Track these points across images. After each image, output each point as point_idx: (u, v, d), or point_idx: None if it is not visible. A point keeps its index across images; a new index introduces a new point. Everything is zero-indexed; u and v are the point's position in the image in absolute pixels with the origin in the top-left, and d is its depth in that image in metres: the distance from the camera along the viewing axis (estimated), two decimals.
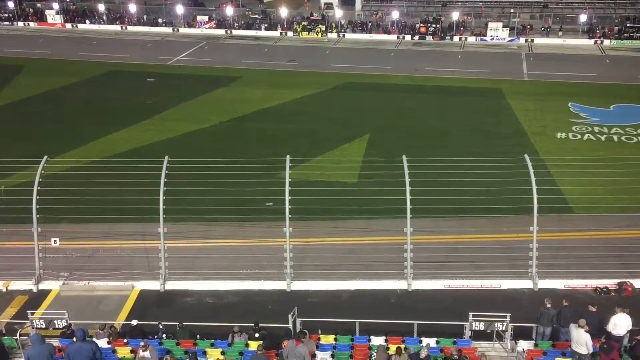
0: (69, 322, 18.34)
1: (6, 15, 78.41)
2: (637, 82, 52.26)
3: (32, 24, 78.20)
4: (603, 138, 38.48)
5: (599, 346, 15.49)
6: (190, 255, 24.16)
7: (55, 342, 16.68)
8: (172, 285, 22.27)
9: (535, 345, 17.23)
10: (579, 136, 38.85)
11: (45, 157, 22.42)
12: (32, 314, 19.04)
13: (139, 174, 22.37)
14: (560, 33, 70.62)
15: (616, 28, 69.70)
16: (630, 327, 16.51)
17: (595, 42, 68.39)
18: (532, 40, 69.19)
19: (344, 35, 72.79)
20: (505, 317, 17.70)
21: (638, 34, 67.99)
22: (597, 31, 69.71)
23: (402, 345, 16.17)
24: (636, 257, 22.71)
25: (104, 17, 78.49)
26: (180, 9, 76.02)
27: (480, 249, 23.47)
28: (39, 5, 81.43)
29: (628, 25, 69.41)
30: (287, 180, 21.28)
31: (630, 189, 24.89)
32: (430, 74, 55.65)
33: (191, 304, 21.61)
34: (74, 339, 14.84)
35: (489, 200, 23.13)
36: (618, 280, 21.69)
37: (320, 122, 42.35)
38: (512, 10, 73.60)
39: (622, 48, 66.89)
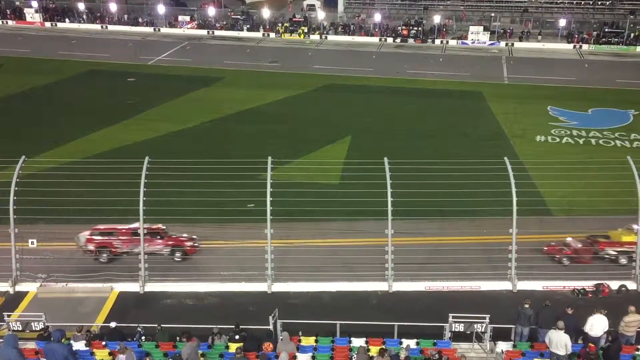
0: (46, 324, 18.11)
1: None
2: (615, 86, 53.00)
3: (10, 22, 77.06)
4: (581, 141, 39.00)
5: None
6: (170, 257, 24.01)
7: (32, 345, 16.48)
8: (152, 286, 22.10)
9: (514, 346, 17.40)
10: (558, 139, 39.32)
11: (23, 157, 22.16)
12: (9, 316, 18.77)
13: (119, 175, 22.12)
14: (539, 37, 71.41)
15: (595, 33, 70.65)
16: (606, 329, 16.74)
17: (574, 47, 69.27)
18: (512, 44, 69.88)
19: (326, 37, 72.85)
20: (484, 318, 17.86)
21: (616, 39, 69.00)
22: (576, 36, 70.63)
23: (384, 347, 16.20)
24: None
25: (84, 16, 77.62)
26: (161, 9, 75.47)
27: (461, 250, 23.61)
28: (17, 3, 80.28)
29: (606, 30, 70.47)
30: (269, 181, 21.29)
31: (608, 192, 25.22)
32: (412, 77, 55.88)
33: (171, 305, 21.48)
34: (52, 340, 14.70)
35: (469, 202, 23.30)
36: (595, 282, 22.00)
37: (302, 123, 42.35)
38: (492, 15, 74.28)
39: (600, 52, 67.81)
